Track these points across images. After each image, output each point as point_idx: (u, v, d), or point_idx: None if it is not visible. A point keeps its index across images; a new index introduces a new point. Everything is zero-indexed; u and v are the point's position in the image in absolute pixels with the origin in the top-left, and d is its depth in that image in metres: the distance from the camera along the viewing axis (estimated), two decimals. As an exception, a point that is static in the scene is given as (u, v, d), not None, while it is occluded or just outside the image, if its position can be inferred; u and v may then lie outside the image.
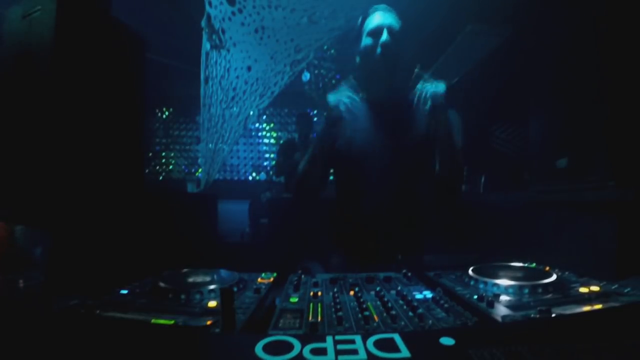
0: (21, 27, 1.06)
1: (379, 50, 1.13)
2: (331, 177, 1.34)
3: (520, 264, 0.80)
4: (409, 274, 0.79)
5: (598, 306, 0.55)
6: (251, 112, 2.99)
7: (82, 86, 1.07)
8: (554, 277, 0.66)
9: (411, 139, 1.19)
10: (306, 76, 3.81)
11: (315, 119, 4.43)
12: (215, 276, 0.72)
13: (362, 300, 0.61)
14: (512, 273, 0.71)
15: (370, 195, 1.18)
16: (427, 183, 1.22)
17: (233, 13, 2.60)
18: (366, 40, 1.17)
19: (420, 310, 0.54)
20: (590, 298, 0.58)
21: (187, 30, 2.73)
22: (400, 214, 1.19)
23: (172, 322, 0.50)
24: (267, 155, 5.15)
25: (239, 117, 2.93)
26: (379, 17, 1.16)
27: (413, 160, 1.18)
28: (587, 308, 0.55)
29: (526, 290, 0.62)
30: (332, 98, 1.15)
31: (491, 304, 0.55)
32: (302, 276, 0.77)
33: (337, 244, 1.28)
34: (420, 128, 1.19)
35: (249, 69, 2.82)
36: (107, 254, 1.05)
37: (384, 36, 1.12)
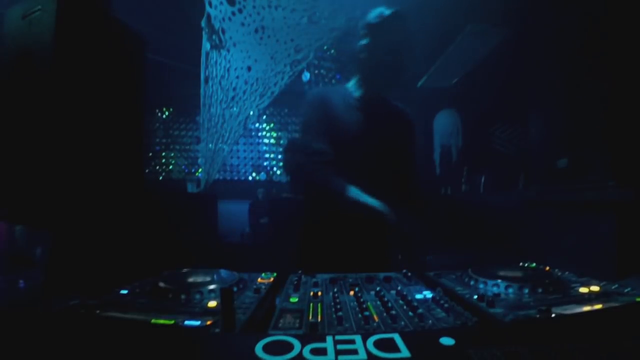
0: (21, 27, 1.06)
1: (385, 50, 1.13)
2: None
3: (520, 264, 0.80)
4: (409, 274, 0.79)
5: (598, 306, 0.55)
6: (251, 112, 3.00)
7: (82, 86, 1.07)
8: (554, 277, 0.66)
9: (387, 147, 1.20)
10: (306, 76, 3.80)
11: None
12: (215, 276, 0.72)
13: (362, 300, 0.60)
14: (512, 273, 0.71)
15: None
16: (399, 188, 1.22)
17: (233, 13, 2.61)
18: (375, 37, 1.15)
19: (420, 310, 0.54)
20: (590, 298, 0.58)
21: (187, 30, 2.73)
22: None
23: (172, 322, 0.50)
24: (267, 156, 5.15)
25: (239, 117, 2.94)
26: (388, 15, 1.15)
27: (386, 165, 1.20)
28: (587, 308, 0.55)
29: (526, 290, 0.62)
30: (320, 89, 1.18)
31: (491, 304, 0.55)
32: (302, 276, 0.77)
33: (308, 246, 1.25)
34: (399, 142, 1.23)
35: (249, 69, 2.82)
36: (107, 254, 1.05)
37: (395, 34, 1.13)
